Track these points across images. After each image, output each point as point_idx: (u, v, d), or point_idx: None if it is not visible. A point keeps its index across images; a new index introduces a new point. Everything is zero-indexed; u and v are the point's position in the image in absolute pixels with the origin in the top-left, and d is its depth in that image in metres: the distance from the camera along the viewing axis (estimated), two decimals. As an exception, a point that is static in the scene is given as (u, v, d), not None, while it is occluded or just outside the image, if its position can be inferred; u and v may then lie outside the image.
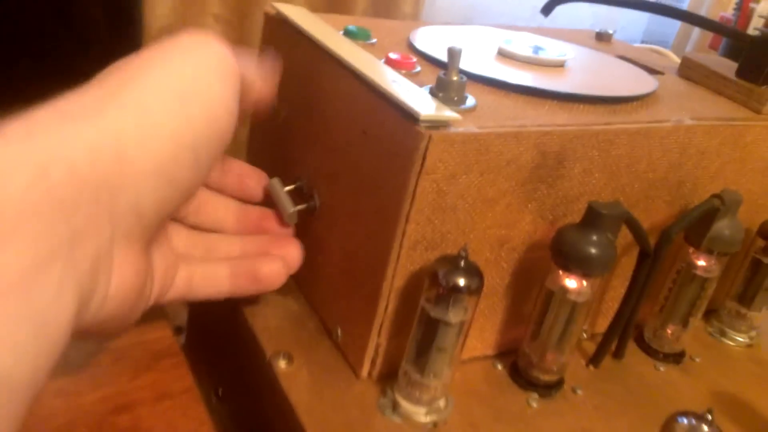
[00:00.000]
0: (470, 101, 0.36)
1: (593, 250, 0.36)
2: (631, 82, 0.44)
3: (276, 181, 0.39)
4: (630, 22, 1.53)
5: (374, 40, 0.44)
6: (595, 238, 0.36)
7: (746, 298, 0.48)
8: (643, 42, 1.53)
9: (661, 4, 0.47)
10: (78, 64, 0.50)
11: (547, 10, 0.49)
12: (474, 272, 0.33)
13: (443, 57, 0.38)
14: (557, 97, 0.39)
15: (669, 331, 0.45)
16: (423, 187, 0.33)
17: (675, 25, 1.49)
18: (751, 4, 0.96)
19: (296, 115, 0.43)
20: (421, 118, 0.31)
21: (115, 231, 0.20)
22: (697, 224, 0.41)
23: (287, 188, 0.40)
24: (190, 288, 0.33)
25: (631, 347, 0.46)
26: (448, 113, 0.32)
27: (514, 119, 0.35)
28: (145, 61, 0.23)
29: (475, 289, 0.33)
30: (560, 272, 0.37)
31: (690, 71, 0.48)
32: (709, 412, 0.33)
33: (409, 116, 0.32)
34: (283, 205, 0.39)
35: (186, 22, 0.96)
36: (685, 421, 0.33)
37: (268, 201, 0.40)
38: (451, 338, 0.34)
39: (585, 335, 0.45)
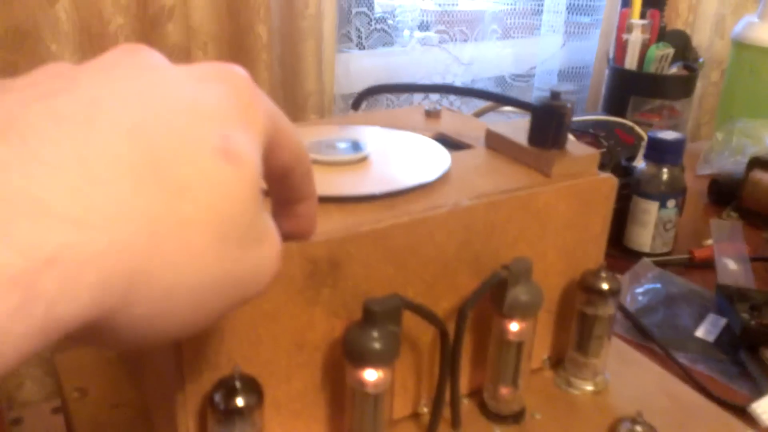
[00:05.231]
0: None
1: (375, 345, 0.38)
2: (423, 168, 0.47)
3: None
4: (550, 57, 1.58)
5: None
6: (375, 333, 0.38)
7: (582, 348, 0.49)
8: (560, 71, 1.57)
9: (456, 87, 0.51)
10: None
11: (356, 105, 0.52)
12: (248, 389, 0.36)
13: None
14: (337, 201, 0.42)
15: (503, 393, 0.47)
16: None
17: (591, 51, 1.55)
18: (624, 35, 1.00)
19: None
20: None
21: None
22: (497, 294, 0.43)
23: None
24: None
25: (474, 413, 0.47)
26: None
27: (282, 235, 0.38)
28: None
29: (254, 405, 0.36)
30: (354, 368, 0.39)
31: (493, 142, 0.51)
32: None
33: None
34: None
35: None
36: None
37: None
38: (245, 453, 0.36)
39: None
